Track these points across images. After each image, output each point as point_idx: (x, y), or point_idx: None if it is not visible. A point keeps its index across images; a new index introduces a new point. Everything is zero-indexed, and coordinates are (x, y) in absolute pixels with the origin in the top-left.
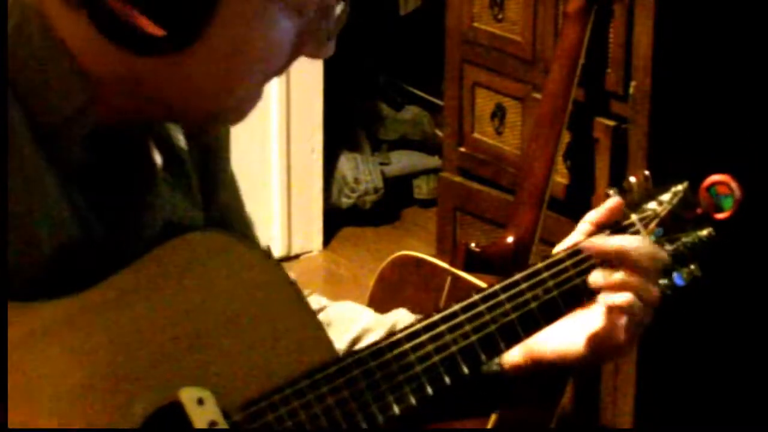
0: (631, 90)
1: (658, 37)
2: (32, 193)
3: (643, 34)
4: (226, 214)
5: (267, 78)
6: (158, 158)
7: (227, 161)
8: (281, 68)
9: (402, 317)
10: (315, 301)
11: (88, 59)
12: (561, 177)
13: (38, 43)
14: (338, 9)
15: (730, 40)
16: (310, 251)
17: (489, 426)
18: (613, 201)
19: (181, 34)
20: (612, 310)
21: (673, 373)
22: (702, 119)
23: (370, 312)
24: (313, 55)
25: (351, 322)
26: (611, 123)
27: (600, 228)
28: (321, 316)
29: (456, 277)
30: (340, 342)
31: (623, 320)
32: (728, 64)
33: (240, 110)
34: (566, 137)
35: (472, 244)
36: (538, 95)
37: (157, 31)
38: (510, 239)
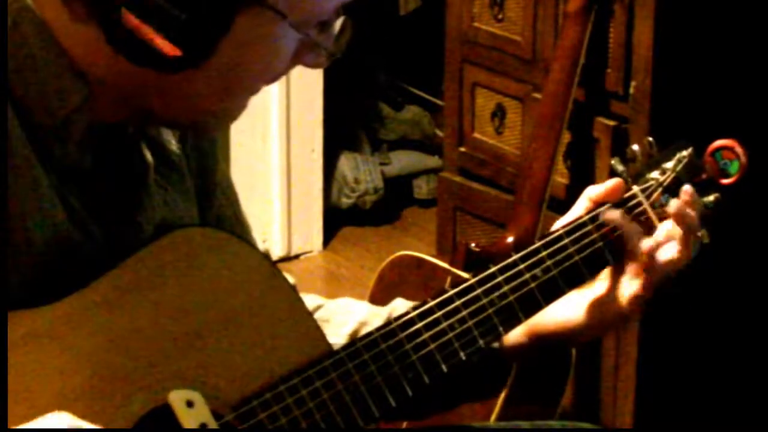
0: (631, 90)
1: (658, 37)
2: (27, 195)
3: (643, 34)
4: (221, 216)
5: (259, 88)
6: (150, 159)
7: (222, 163)
8: (276, 78)
9: (399, 307)
10: (311, 300)
11: (85, 61)
12: (561, 177)
13: (34, 43)
14: (338, 24)
15: (730, 39)
16: (310, 251)
17: (492, 419)
18: (613, 181)
19: (196, 54)
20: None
21: (673, 373)
22: (702, 119)
23: (366, 305)
24: (309, 66)
25: (348, 316)
26: (611, 123)
27: (599, 205)
28: (319, 313)
29: (456, 277)
30: (339, 336)
31: (632, 286)
32: (728, 64)
33: (226, 119)
34: (566, 137)
35: (472, 244)
36: (538, 95)
37: (173, 51)
38: (510, 239)
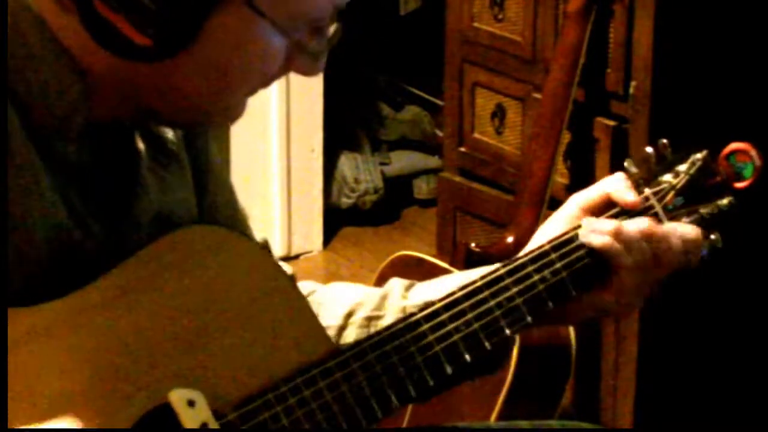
0: (631, 90)
1: (658, 37)
2: (28, 194)
3: (643, 34)
4: (216, 203)
5: (255, 89)
6: (142, 147)
7: (214, 148)
8: (269, 81)
9: (394, 288)
10: (304, 286)
11: (83, 56)
12: (561, 177)
13: (33, 43)
14: (331, 29)
15: (730, 39)
16: (310, 251)
17: (492, 419)
18: (599, 193)
19: (167, 45)
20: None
21: (673, 373)
22: (702, 119)
23: (360, 286)
24: (302, 72)
25: (342, 296)
26: (611, 123)
27: (601, 211)
28: (313, 297)
29: None
30: (334, 318)
31: (633, 279)
32: (728, 64)
33: (225, 117)
34: (566, 137)
35: (472, 244)
36: (538, 95)
37: (143, 40)
38: (510, 239)
